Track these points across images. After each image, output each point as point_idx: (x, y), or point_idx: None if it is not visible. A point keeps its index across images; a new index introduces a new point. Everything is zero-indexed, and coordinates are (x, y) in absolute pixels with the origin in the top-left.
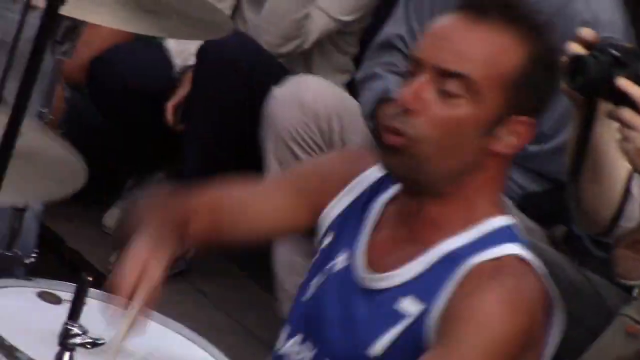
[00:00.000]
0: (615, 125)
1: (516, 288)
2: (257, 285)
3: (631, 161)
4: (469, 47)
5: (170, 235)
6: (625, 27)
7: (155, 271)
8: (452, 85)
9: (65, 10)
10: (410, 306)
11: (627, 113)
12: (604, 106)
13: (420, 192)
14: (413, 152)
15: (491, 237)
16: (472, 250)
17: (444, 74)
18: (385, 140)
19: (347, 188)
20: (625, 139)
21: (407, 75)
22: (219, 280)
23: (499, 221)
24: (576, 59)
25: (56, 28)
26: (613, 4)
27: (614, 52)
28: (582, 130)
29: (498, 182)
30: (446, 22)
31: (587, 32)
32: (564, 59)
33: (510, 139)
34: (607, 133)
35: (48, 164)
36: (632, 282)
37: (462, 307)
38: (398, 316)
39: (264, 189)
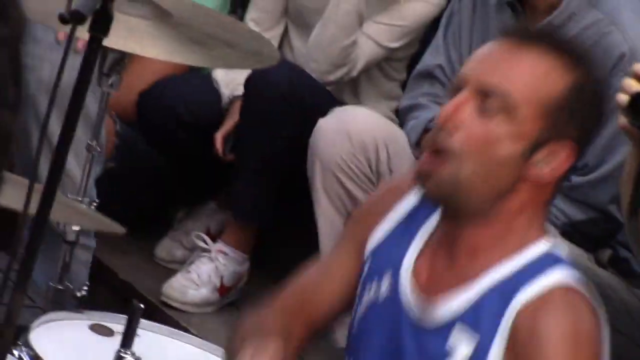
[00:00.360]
0: None
1: (574, 323)
2: None
3: None
4: (512, 68)
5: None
6: None
7: None
8: (493, 103)
9: (111, 42)
10: (462, 338)
11: None
12: None
13: (458, 215)
14: (451, 169)
15: (537, 265)
16: (520, 282)
17: (485, 91)
18: (423, 164)
19: (387, 217)
20: None
21: (450, 97)
22: None
23: (541, 247)
24: (638, 96)
25: (102, 59)
26: None
27: None
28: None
29: (538, 209)
30: (492, 46)
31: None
32: (624, 97)
33: (548, 165)
34: None
35: None
36: None
37: (531, 354)
38: (450, 351)
39: (326, 263)
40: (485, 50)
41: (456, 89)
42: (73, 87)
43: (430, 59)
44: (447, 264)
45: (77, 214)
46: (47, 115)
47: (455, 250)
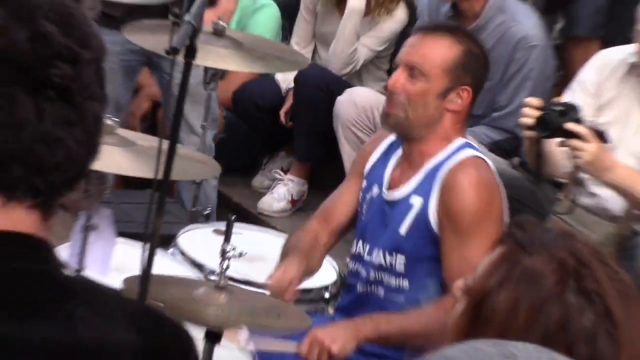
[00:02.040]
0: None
1: (478, 174)
2: None
3: (581, 169)
4: (423, 48)
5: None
6: (544, 35)
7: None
8: (415, 72)
9: (208, 63)
10: (415, 200)
11: (574, 142)
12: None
13: (409, 138)
14: (398, 112)
15: (456, 150)
16: (446, 160)
17: (410, 66)
18: (384, 111)
19: (375, 151)
20: (575, 157)
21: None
22: None
23: (459, 140)
24: (540, 119)
25: (205, 73)
26: (536, 23)
27: (557, 108)
28: (538, 149)
29: (459, 126)
30: (413, 37)
31: (533, 101)
32: (528, 120)
33: (458, 101)
34: (549, 146)
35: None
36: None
37: (451, 200)
38: (409, 207)
39: (340, 190)
40: (409, 40)
41: (396, 67)
42: (178, 90)
43: None
44: (407, 165)
45: (200, 163)
46: (178, 107)
47: (411, 157)
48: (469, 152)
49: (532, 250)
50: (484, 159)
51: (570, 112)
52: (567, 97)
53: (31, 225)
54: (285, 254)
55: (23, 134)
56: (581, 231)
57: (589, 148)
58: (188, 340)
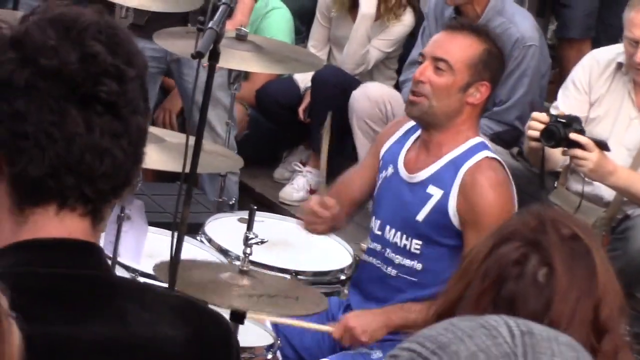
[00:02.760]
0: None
1: (495, 175)
2: None
3: (585, 176)
4: (450, 44)
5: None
6: (540, 36)
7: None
8: (441, 65)
9: (232, 65)
10: (434, 190)
11: (578, 151)
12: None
13: (430, 127)
14: (424, 102)
15: (473, 149)
16: (465, 157)
17: (437, 59)
18: (410, 99)
19: (393, 135)
20: (578, 165)
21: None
22: None
23: (476, 140)
24: (545, 130)
25: (229, 75)
26: (532, 25)
27: (561, 120)
28: (542, 157)
29: (475, 120)
30: (439, 34)
31: (539, 115)
32: (533, 132)
33: (477, 94)
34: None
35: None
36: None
37: (473, 200)
38: (428, 196)
39: (358, 166)
40: (435, 37)
41: (422, 61)
42: (203, 91)
43: (415, 53)
44: (424, 152)
45: (224, 157)
46: (203, 108)
47: (428, 145)
48: (485, 154)
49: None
50: (499, 160)
51: (574, 123)
52: (560, 94)
53: (83, 232)
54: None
55: (74, 145)
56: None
57: (592, 157)
58: (228, 330)
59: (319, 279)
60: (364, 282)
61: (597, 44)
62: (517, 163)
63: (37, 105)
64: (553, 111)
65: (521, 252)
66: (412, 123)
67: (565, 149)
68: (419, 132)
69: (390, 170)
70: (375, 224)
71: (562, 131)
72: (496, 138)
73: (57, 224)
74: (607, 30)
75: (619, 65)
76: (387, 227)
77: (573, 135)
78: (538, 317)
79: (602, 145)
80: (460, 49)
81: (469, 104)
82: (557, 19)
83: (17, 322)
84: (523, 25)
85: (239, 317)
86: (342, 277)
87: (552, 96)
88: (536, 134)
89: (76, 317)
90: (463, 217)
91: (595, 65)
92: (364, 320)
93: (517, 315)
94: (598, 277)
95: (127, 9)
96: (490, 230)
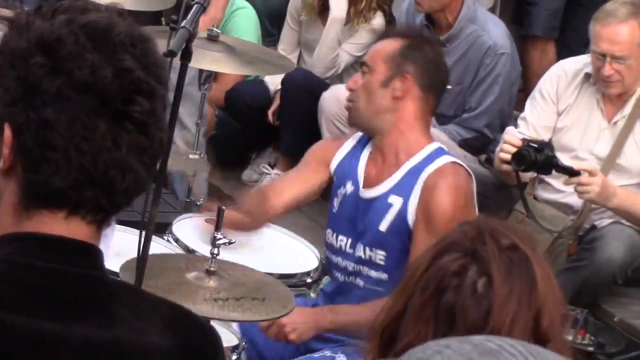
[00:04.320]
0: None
1: (457, 182)
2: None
3: (591, 202)
4: (373, 49)
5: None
6: (512, 44)
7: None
8: (364, 68)
9: (203, 65)
10: (394, 199)
11: (583, 178)
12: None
13: (370, 132)
14: (352, 108)
15: (433, 155)
16: (425, 164)
17: (361, 64)
18: (346, 107)
19: (342, 147)
20: (584, 192)
21: None
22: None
23: (434, 145)
24: (517, 153)
25: (200, 75)
26: (504, 33)
27: (534, 145)
28: (517, 177)
29: (419, 123)
30: None
31: (512, 139)
32: (505, 155)
33: (402, 88)
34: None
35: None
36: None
37: (430, 200)
38: (389, 206)
39: (291, 172)
40: None
41: None
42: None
43: None
44: (381, 164)
45: (191, 160)
46: (174, 106)
47: (383, 154)
48: (447, 159)
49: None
50: (462, 165)
51: (545, 149)
52: (528, 104)
53: (87, 234)
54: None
55: (99, 160)
56: (542, 224)
57: (597, 181)
58: (217, 341)
59: (286, 281)
60: (334, 295)
61: (561, 47)
62: (485, 170)
63: (67, 117)
64: (520, 122)
65: (460, 262)
66: (356, 136)
67: (567, 177)
68: (369, 145)
69: (349, 187)
70: (333, 238)
71: (533, 155)
72: (465, 144)
73: (62, 226)
74: (572, 34)
75: (587, 76)
76: (350, 241)
77: (581, 164)
78: (478, 327)
79: (575, 172)
80: (378, 48)
81: (397, 99)
82: (522, 18)
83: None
84: (495, 33)
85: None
86: (309, 280)
87: (521, 104)
88: (507, 156)
89: (65, 315)
90: (417, 217)
91: (563, 76)
92: (295, 319)
93: (457, 326)
94: (538, 287)
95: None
96: (440, 234)
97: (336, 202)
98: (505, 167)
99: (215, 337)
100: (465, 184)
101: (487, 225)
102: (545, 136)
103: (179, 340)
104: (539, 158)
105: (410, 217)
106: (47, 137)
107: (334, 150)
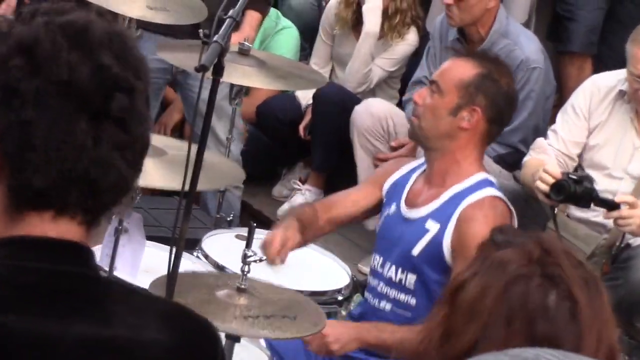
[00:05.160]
0: None
1: (494, 216)
2: None
3: (631, 234)
4: (446, 68)
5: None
6: (545, 59)
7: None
8: (433, 88)
9: (234, 80)
10: (431, 225)
11: (624, 212)
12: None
13: (425, 149)
14: (418, 122)
15: (477, 185)
16: (468, 193)
17: (431, 82)
18: (408, 120)
19: (397, 172)
20: (625, 225)
21: None
22: None
23: (481, 175)
24: (556, 184)
25: (230, 90)
26: (537, 47)
27: (573, 177)
28: (553, 212)
29: (475, 152)
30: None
31: (552, 170)
32: (543, 186)
33: (469, 120)
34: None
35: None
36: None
37: (466, 233)
38: (425, 231)
39: (352, 190)
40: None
41: (424, 82)
42: (204, 106)
43: (418, 73)
44: (427, 185)
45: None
46: (206, 122)
47: (431, 175)
48: (489, 192)
49: (504, 246)
50: (503, 200)
51: (585, 181)
52: (559, 118)
53: (77, 235)
54: (285, 218)
55: (80, 159)
56: (574, 243)
57: (638, 213)
58: (215, 338)
59: (316, 298)
60: (360, 318)
61: (597, 62)
62: (520, 187)
63: (47, 117)
64: (550, 134)
65: (541, 289)
66: (417, 161)
67: (606, 210)
68: (424, 167)
69: (393, 208)
70: (375, 260)
71: (572, 187)
72: (500, 160)
73: (52, 227)
74: (607, 50)
75: (621, 93)
76: (386, 263)
77: (621, 197)
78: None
79: (615, 205)
80: (452, 71)
81: (462, 129)
82: (560, 34)
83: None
84: (528, 48)
85: (235, 336)
86: (340, 298)
87: (555, 119)
88: (546, 187)
89: (60, 314)
90: (454, 250)
91: (596, 92)
92: (338, 331)
93: None
94: (605, 302)
95: (130, 19)
96: None
97: (380, 223)
98: (543, 197)
99: (213, 333)
100: (502, 219)
101: (550, 243)
102: (574, 151)
103: (177, 336)
104: (578, 190)
105: (446, 246)
106: (28, 138)
107: (392, 172)
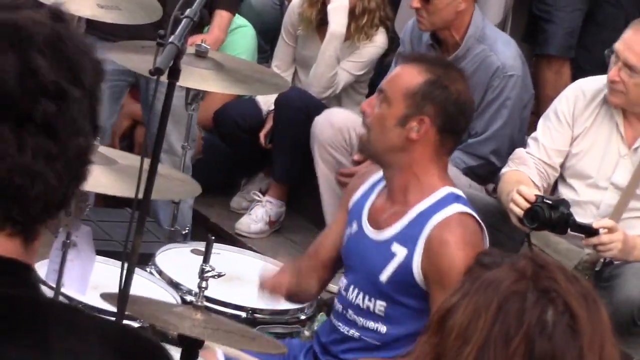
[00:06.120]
0: None
1: (464, 235)
2: None
3: (612, 258)
4: (395, 75)
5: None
6: (523, 65)
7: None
8: (380, 96)
9: (190, 84)
10: (398, 249)
11: (604, 237)
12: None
13: (377, 162)
14: (364, 135)
15: (442, 202)
16: (433, 211)
17: (379, 90)
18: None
19: (360, 187)
20: (606, 250)
21: None
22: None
23: (446, 190)
24: (529, 210)
25: (187, 95)
26: (515, 53)
27: (548, 201)
28: (528, 237)
29: (434, 164)
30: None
31: (526, 192)
32: (518, 210)
33: (419, 130)
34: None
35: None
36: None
37: (439, 259)
38: (392, 255)
39: (328, 228)
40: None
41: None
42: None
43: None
44: (389, 202)
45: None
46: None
47: (392, 192)
48: (456, 208)
49: (493, 266)
50: (472, 215)
51: (561, 206)
52: (541, 124)
53: (12, 250)
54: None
55: (3, 166)
56: (556, 259)
57: (618, 237)
58: None
59: (277, 317)
60: (327, 341)
61: (576, 66)
62: (493, 200)
63: None
64: (531, 142)
65: (538, 307)
66: (379, 174)
67: (585, 237)
68: (384, 183)
69: (354, 226)
70: (342, 282)
71: (547, 213)
72: (470, 172)
73: None
74: (585, 53)
75: (606, 98)
76: (351, 288)
77: (600, 222)
78: None
79: (594, 232)
80: (399, 79)
81: (412, 141)
82: (537, 36)
83: None
84: (504, 54)
85: (193, 348)
86: (302, 317)
87: (532, 128)
88: (519, 211)
89: None
90: (428, 276)
91: (581, 96)
92: None
93: None
94: (604, 315)
95: (79, 18)
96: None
97: (343, 243)
98: (518, 224)
99: (165, 358)
100: (474, 237)
101: (542, 258)
102: (557, 160)
103: None
104: (554, 216)
105: (417, 272)
106: None
107: (356, 188)
